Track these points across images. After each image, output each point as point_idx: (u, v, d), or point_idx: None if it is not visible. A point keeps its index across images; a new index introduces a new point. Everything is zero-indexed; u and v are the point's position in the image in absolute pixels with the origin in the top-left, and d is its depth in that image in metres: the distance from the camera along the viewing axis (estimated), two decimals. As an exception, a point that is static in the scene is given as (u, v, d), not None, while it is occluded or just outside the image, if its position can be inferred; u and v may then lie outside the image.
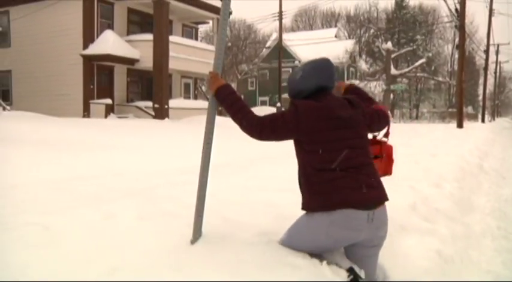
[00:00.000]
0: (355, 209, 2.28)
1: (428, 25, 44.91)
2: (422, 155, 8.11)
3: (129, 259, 2.29)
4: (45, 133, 8.92)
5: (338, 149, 2.34)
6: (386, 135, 2.94)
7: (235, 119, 2.43)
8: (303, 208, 2.47)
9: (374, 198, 2.38)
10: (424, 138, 13.14)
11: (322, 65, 2.54)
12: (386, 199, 2.48)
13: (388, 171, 2.90)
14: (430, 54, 39.80)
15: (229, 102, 2.46)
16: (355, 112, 2.45)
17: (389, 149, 2.93)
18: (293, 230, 2.53)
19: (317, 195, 2.35)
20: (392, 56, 35.19)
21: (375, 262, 2.57)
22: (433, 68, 39.08)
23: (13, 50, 20.92)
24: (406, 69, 36.58)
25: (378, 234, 2.44)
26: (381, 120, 2.71)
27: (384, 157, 2.85)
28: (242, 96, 2.62)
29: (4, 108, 16.08)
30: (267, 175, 4.91)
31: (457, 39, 29.20)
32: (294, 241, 2.49)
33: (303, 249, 2.46)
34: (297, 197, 2.98)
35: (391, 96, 37.86)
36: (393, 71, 34.46)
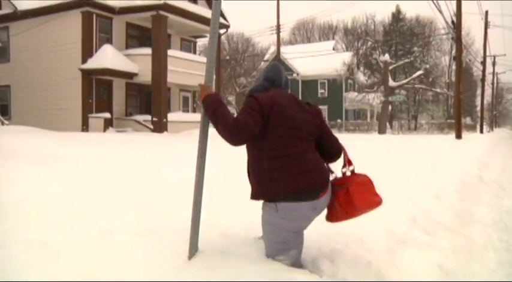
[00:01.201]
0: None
1: (425, 37, 45.21)
2: (421, 166, 8.09)
3: (125, 276, 2.25)
4: (43, 147, 8.89)
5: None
6: (346, 164, 2.83)
7: (214, 124, 2.47)
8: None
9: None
10: (423, 149, 13.12)
11: (269, 65, 2.96)
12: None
13: (355, 208, 2.70)
14: (428, 66, 39.95)
15: (212, 109, 2.49)
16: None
17: (356, 180, 2.74)
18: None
19: None
20: (390, 67, 35.33)
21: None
22: (430, 79, 39.18)
23: (12, 65, 20.98)
24: (404, 81, 36.70)
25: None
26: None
27: (346, 188, 2.66)
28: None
29: (2, 123, 16.06)
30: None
31: (454, 51, 29.36)
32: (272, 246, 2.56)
33: (281, 248, 2.52)
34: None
35: (390, 107, 37.96)
36: (391, 83, 34.57)
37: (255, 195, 2.57)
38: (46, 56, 19.65)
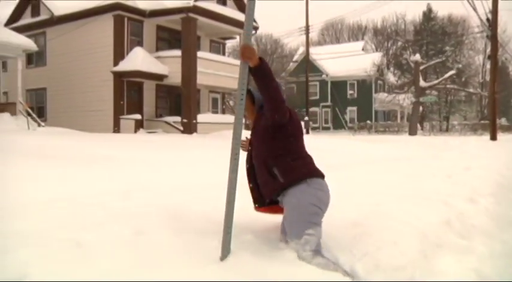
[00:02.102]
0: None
1: (457, 36, 44.09)
2: (454, 168, 7.90)
3: (159, 276, 2.28)
4: (76, 148, 9.10)
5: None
6: None
7: (276, 92, 2.68)
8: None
9: None
10: (456, 151, 12.81)
11: None
12: None
13: None
14: (460, 66, 39.01)
15: (272, 76, 2.68)
16: None
17: None
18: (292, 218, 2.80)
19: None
20: (421, 68, 34.65)
21: None
22: (463, 79, 38.28)
23: (48, 69, 21.64)
24: (436, 81, 35.95)
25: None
26: None
27: None
28: None
29: (39, 125, 16.55)
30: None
31: (488, 50, 28.58)
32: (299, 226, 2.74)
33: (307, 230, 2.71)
34: (327, 213, 2.93)
35: (420, 108, 37.22)
36: (422, 83, 33.92)
37: (282, 186, 2.79)
38: (80, 59, 20.18)
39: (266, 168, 2.84)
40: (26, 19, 22.46)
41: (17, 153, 7.29)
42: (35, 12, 22.15)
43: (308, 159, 2.95)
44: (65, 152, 8.30)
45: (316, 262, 2.58)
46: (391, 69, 42.47)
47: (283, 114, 2.73)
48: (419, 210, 4.09)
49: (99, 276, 2.27)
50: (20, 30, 20.07)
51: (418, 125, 36.76)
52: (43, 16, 21.52)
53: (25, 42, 17.01)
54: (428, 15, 45.03)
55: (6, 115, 15.65)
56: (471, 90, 40.82)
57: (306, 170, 2.84)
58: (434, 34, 42.54)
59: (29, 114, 16.53)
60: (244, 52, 2.61)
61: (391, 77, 42.12)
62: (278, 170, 2.82)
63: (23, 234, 3.06)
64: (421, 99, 33.67)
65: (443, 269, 2.91)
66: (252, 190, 3.00)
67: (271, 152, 2.84)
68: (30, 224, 3.39)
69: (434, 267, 2.93)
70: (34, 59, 22.13)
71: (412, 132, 32.46)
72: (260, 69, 2.62)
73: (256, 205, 3.03)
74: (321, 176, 2.90)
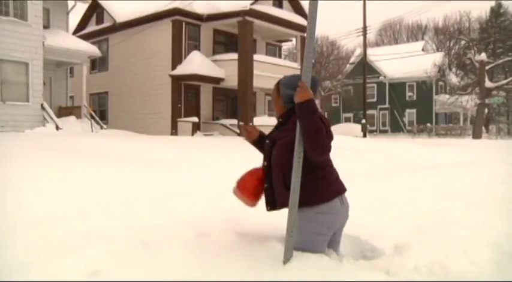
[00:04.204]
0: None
1: (530, 33, 41.61)
2: (526, 174, 7.48)
3: (221, 277, 2.32)
4: (137, 150, 9.42)
5: None
6: None
7: (313, 131, 2.57)
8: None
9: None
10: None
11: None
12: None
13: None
14: (532, 64, 36.81)
15: (316, 116, 2.60)
16: None
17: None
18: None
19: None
20: (487, 67, 33.01)
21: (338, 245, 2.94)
22: (535, 79, 36.05)
23: (110, 73, 22.63)
24: (504, 81, 34.09)
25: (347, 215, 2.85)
26: None
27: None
28: (326, 114, 2.73)
29: (101, 127, 17.30)
30: (355, 194, 4.77)
31: None
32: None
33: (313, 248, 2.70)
34: (386, 218, 2.86)
35: (486, 110, 35.46)
36: (488, 84, 32.32)
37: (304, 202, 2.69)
38: (139, 63, 20.93)
39: (283, 181, 2.74)
40: (91, 27, 23.65)
41: (84, 154, 7.65)
42: (99, 20, 23.28)
43: (327, 180, 2.78)
44: (125, 153, 8.62)
45: None
46: (453, 69, 40.80)
47: (321, 153, 2.64)
48: (490, 219, 3.90)
49: (167, 276, 2.33)
50: (85, 37, 21.18)
51: (483, 128, 35.06)
52: (106, 23, 22.55)
53: (90, 48, 17.92)
54: (497, 10, 42.84)
55: (72, 118, 16.51)
56: (543, 90, 38.35)
57: (318, 196, 2.70)
58: (503, 31, 40.35)
59: (92, 117, 17.35)
60: (302, 95, 2.59)
61: (453, 78, 40.47)
62: (307, 183, 2.70)
63: (91, 232, 3.21)
64: (487, 101, 32.10)
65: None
66: (267, 191, 2.87)
67: (291, 170, 2.69)
68: (96, 224, 3.55)
69: (508, 279, 2.78)
70: (97, 64, 23.25)
71: (477, 135, 31.01)
72: (305, 106, 2.58)
73: (268, 207, 2.88)
74: (335, 195, 2.76)
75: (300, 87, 2.63)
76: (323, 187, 2.74)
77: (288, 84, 2.87)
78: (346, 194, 2.86)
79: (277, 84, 2.96)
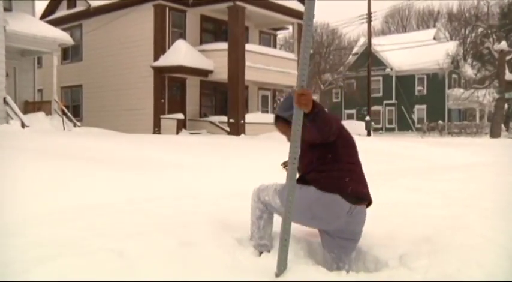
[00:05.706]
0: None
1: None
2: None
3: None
4: (115, 150, 9.40)
5: None
6: None
7: (327, 128, 2.75)
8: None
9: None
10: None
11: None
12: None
13: None
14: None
15: (326, 121, 2.71)
16: None
17: None
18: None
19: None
20: (507, 58, 33.21)
21: (349, 254, 3.04)
22: None
23: (84, 64, 22.54)
24: (528, 74, 34.29)
25: (350, 228, 2.99)
26: None
27: None
28: (326, 109, 2.80)
29: (75, 125, 17.23)
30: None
31: None
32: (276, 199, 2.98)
33: (277, 209, 2.98)
34: (390, 226, 2.87)
35: (506, 106, 35.69)
36: (508, 76, 32.51)
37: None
38: (117, 53, 20.86)
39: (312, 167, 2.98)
40: (62, 11, 23.51)
41: (53, 155, 7.62)
42: (71, 3, 23.16)
43: (352, 175, 3.00)
44: (101, 154, 8.59)
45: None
46: (469, 60, 41.01)
47: (328, 135, 2.81)
48: (508, 227, 3.92)
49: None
50: (55, 23, 21.01)
51: (502, 126, 35.27)
52: (79, 7, 22.44)
53: (61, 35, 17.75)
54: (521, -7, 43.10)
55: (41, 114, 16.37)
56: None
57: (335, 184, 2.92)
58: (526, 17, 40.59)
59: (64, 114, 17.25)
60: (300, 99, 2.50)
61: (468, 70, 40.66)
62: (317, 171, 2.97)
63: (59, 242, 3.20)
64: (506, 95, 32.28)
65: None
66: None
67: (319, 157, 2.97)
68: (66, 232, 3.53)
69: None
70: (70, 54, 23.12)
71: (495, 134, 31.19)
72: (315, 116, 2.60)
73: None
74: (338, 192, 2.91)
75: (304, 99, 2.52)
76: (337, 178, 2.93)
77: (285, 107, 2.97)
78: None
79: (276, 117, 3.10)
